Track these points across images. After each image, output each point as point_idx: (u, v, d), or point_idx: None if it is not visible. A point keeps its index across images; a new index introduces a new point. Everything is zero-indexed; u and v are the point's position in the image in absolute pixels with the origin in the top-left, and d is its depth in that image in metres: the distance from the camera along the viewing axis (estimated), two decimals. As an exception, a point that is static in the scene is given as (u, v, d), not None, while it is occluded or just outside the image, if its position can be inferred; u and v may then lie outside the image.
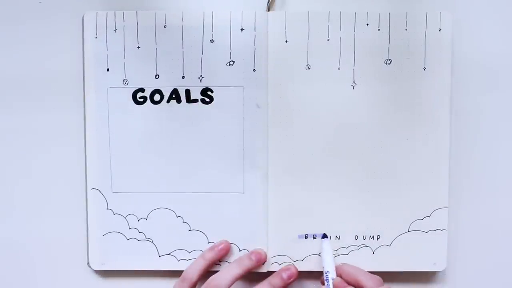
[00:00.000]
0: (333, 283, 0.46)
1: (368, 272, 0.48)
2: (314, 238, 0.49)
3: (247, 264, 0.48)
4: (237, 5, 0.49)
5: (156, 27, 0.48)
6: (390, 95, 0.49)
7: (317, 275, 0.50)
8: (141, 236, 0.50)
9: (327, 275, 0.46)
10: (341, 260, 0.49)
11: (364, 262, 0.49)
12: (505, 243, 0.51)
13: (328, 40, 0.49)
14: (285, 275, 0.48)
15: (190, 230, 0.49)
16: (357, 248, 0.49)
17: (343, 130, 0.49)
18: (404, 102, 0.49)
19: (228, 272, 0.47)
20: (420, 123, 0.49)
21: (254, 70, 0.49)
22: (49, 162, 0.50)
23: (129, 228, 0.49)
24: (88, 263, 0.50)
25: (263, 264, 0.49)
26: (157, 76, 0.49)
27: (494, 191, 0.51)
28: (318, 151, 0.49)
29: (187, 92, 0.49)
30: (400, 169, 0.49)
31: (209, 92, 0.49)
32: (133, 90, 0.49)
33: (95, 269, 0.50)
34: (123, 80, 0.49)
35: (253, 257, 0.48)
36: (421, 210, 0.49)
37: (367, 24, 0.49)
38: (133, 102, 0.49)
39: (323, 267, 0.48)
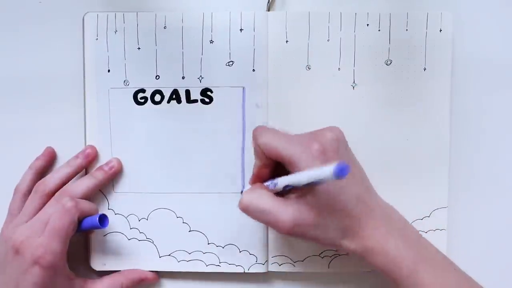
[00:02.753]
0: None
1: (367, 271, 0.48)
2: (313, 238, 0.50)
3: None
4: (237, 6, 0.49)
5: (156, 28, 0.49)
6: (390, 96, 0.49)
7: (318, 276, 0.50)
8: (142, 237, 0.50)
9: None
10: (341, 260, 0.50)
11: (364, 262, 0.49)
12: (505, 243, 0.51)
13: (328, 40, 0.49)
14: (106, 167, 0.49)
15: (190, 231, 0.50)
16: (357, 248, 0.50)
17: (343, 130, 0.49)
18: (404, 102, 0.49)
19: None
20: (420, 123, 0.49)
21: (253, 70, 0.49)
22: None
23: (130, 228, 0.50)
24: (89, 264, 0.50)
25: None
26: (158, 77, 0.49)
27: (494, 191, 0.51)
28: (318, 151, 0.49)
29: (187, 92, 0.49)
30: (399, 169, 0.49)
31: (208, 93, 0.49)
32: (134, 91, 0.49)
33: (96, 269, 0.50)
34: (124, 81, 0.49)
35: (82, 157, 0.49)
36: (420, 210, 0.49)
37: (368, 25, 0.48)
38: (134, 103, 0.49)
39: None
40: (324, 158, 0.40)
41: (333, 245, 0.43)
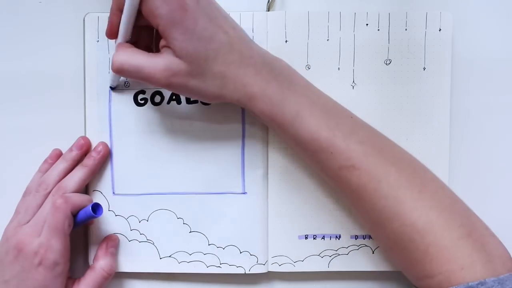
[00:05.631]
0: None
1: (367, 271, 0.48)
2: (314, 238, 0.49)
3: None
4: (237, 6, 0.49)
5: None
6: (390, 95, 0.49)
7: (318, 276, 0.50)
8: (143, 238, 0.50)
9: None
10: (341, 260, 0.50)
11: (364, 262, 0.49)
12: (505, 243, 0.51)
13: (327, 40, 0.49)
14: (94, 153, 0.49)
15: (190, 232, 0.50)
16: (357, 248, 0.50)
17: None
18: (404, 102, 0.49)
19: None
20: (420, 123, 0.49)
21: (253, 70, 0.49)
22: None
23: (131, 230, 0.50)
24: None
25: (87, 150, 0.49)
26: (157, 78, 0.49)
27: (493, 191, 0.51)
28: (318, 151, 0.49)
29: (188, 93, 0.49)
30: (400, 169, 0.49)
31: (209, 93, 0.49)
32: (134, 92, 0.49)
33: (97, 270, 0.50)
34: (124, 83, 0.49)
35: (76, 149, 0.49)
36: (421, 210, 0.49)
37: (367, 24, 0.49)
38: (134, 104, 0.49)
39: None
40: (180, 12, 0.40)
41: (216, 97, 0.43)
